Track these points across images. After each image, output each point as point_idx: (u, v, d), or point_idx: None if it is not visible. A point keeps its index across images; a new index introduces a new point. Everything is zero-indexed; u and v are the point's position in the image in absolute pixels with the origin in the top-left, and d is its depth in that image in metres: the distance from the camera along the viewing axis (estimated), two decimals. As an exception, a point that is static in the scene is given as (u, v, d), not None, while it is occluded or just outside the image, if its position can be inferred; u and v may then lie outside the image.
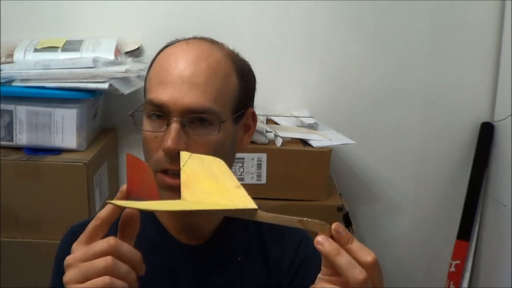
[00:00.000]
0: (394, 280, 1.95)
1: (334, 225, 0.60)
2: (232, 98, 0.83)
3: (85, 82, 1.52)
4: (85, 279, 0.59)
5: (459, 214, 1.86)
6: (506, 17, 1.75)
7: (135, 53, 1.74)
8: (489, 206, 1.84)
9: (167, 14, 1.77)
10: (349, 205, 1.74)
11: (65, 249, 0.65)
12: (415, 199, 1.93)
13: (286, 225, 0.60)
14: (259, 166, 1.55)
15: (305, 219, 0.60)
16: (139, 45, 1.75)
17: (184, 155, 0.74)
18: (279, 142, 1.56)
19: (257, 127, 0.94)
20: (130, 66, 1.58)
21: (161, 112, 0.79)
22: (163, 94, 0.78)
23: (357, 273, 0.58)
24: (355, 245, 0.60)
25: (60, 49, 1.61)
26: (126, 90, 1.57)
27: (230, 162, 0.84)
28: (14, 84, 1.54)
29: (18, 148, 1.56)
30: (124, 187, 0.65)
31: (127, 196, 0.65)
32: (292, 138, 1.60)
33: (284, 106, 1.82)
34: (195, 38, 0.86)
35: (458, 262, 1.86)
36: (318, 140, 1.58)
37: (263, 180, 1.55)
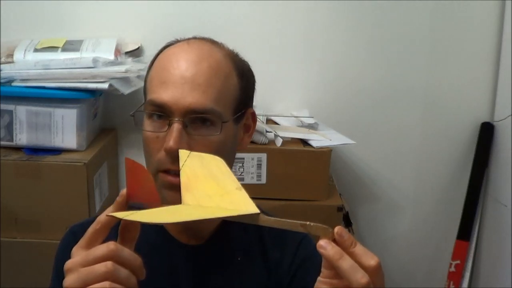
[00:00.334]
0: (394, 280, 1.95)
1: (336, 229, 0.60)
2: (233, 98, 0.83)
3: (85, 82, 1.52)
4: (85, 284, 0.59)
5: (459, 214, 1.86)
6: (506, 17, 1.75)
7: (135, 53, 1.74)
8: (489, 206, 1.84)
9: (167, 14, 1.77)
10: (349, 205, 1.74)
11: (65, 249, 0.65)
12: (415, 199, 1.93)
13: (288, 229, 0.59)
14: (259, 166, 1.55)
15: (308, 223, 0.59)
16: (139, 45, 1.75)
17: (183, 153, 0.73)
18: (279, 142, 1.56)
19: (257, 127, 0.94)
20: (130, 66, 1.58)
21: (162, 112, 0.79)
22: (165, 94, 0.78)
23: (360, 277, 0.57)
24: (358, 249, 0.60)
25: (60, 49, 1.61)
26: (126, 90, 1.57)
27: (230, 162, 0.84)
28: (14, 84, 1.54)
29: (18, 148, 1.56)
30: (124, 191, 0.65)
31: (127, 200, 0.65)
32: (292, 138, 1.60)
33: (284, 106, 1.82)
34: (195, 38, 0.86)
35: (458, 262, 1.86)
36: (318, 140, 1.58)
37: (263, 180, 1.55)
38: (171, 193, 0.77)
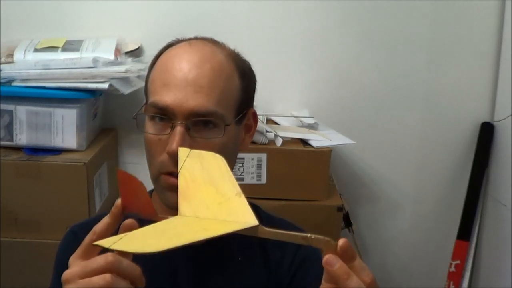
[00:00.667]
0: (394, 280, 1.95)
1: (341, 242, 0.58)
2: (235, 99, 0.83)
3: (85, 82, 1.51)
4: None
5: (459, 214, 1.86)
6: (506, 17, 1.75)
7: (135, 53, 1.74)
8: (489, 206, 1.84)
9: (167, 14, 1.77)
10: (349, 205, 1.74)
11: (66, 249, 0.65)
12: (415, 199, 1.92)
13: (289, 241, 0.58)
14: (259, 166, 1.55)
15: (309, 235, 0.57)
16: (139, 45, 1.75)
17: (182, 152, 0.73)
18: (279, 142, 1.56)
19: (257, 127, 0.94)
20: (130, 66, 1.58)
21: (165, 115, 0.79)
22: (168, 97, 0.78)
23: None
24: (357, 264, 0.59)
25: (60, 49, 1.61)
26: (126, 90, 1.57)
27: (232, 162, 0.84)
28: (14, 84, 1.53)
29: (18, 148, 1.56)
30: (119, 201, 0.64)
31: (123, 211, 0.64)
32: (292, 138, 1.60)
33: (284, 106, 1.82)
34: (196, 38, 0.86)
35: (458, 262, 1.86)
36: (318, 140, 1.58)
37: (263, 180, 1.55)
38: (174, 195, 0.77)
